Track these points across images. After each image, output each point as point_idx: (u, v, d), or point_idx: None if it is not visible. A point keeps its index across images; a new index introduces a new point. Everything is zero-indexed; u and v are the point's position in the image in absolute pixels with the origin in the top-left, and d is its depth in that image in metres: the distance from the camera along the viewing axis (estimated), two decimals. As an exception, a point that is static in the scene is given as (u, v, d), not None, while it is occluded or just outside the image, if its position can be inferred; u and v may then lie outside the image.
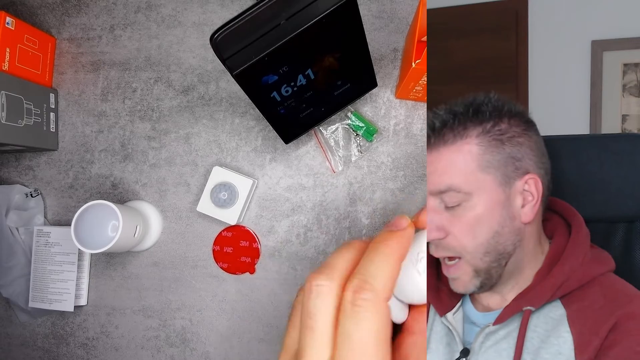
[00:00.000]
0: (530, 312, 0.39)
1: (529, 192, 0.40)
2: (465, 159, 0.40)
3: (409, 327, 0.31)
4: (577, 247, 0.41)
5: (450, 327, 0.43)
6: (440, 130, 0.40)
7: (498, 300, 0.42)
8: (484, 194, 0.39)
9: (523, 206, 0.40)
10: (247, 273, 0.65)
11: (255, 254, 0.64)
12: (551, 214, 0.44)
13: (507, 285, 0.42)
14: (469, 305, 0.43)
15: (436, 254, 0.41)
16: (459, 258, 0.41)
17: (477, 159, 0.40)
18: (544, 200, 0.41)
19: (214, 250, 0.65)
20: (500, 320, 0.40)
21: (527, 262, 0.41)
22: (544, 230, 0.43)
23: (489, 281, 0.41)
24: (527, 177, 0.40)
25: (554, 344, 0.38)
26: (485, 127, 0.40)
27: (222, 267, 0.65)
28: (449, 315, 0.43)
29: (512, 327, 0.40)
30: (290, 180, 0.65)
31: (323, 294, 0.27)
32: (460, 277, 0.41)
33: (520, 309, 0.39)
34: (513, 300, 0.40)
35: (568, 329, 0.38)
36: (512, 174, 0.40)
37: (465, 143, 0.40)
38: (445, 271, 0.42)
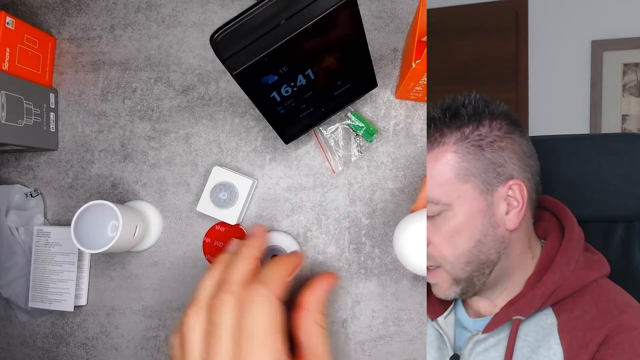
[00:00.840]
0: (520, 322, 0.38)
1: (514, 198, 0.38)
2: (442, 169, 0.38)
3: (300, 302, 0.43)
4: (568, 253, 0.39)
5: (441, 332, 0.42)
6: None
7: (488, 305, 0.41)
8: (464, 203, 0.38)
9: (507, 213, 0.38)
10: None
11: None
12: (544, 213, 0.43)
13: (495, 291, 0.41)
14: (461, 309, 0.43)
15: None
16: (439, 266, 0.39)
17: (455, 168, 0.38)
18: (532, 204, 0.40)
19: (204, 241, 0.65)
20: (489, 328, 0.39)
21: (515, 268, 0.40)
22: (537, 230, 0.42)
23: (471, 289, 0.39)
24: (510, 182, 0.38)
25: (544, 355, 0.37)
26: (464, 133, 0.38)
27: (209, 260, 0.65)
28: (440, 319, 0.42)
29: (502, 335, 0.39)
30: (290, 180, 0.65)
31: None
32: (439, 284, 0.40)
33: (510, 318, 0.38)
34: (502, 308, 0.39)
35: (558, 340, 0.37)
36: (493, 180, 0.38)
37: (442, 151, 0.38)
38: (427, 276, 0.41)
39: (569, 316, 0.38)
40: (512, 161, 0.39)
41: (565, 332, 0.37)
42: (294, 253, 0.48)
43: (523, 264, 0.40)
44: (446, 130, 0.39)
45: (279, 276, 0.40)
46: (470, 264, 0.39)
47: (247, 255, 0.43)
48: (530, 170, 0.40)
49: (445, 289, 0.40)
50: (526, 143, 0.40)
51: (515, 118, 0.40)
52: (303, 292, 0.42)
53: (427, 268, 0.40)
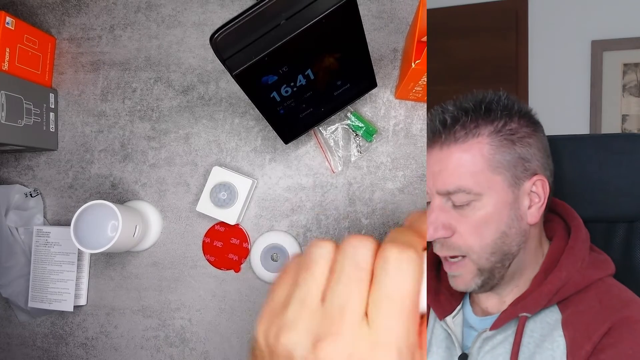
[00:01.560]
0: (526, 319, 0.39)
1: (536, 193, 0.40)
2: (476, 159, 0.39)
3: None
4: (574, 252, 0.40)
5: (449, 331, 0.42)
6: (452, 127, 0.39)
7: (496, 302, 0.42)
8: (494, 195, 0.39)
9: (530, 207, 0.40)
10: (232, 271, 0.65)
11: (243, 253, 0.64)
12: (552, 215, 0.44)
13: (507, 287, 0.41)
14: (468, 309, 0.43)
15: (441, 252, 0.40)
16: (463, 256, 0.40)
17: (488, 159, 0.39)
18: (548, 201, 0.41)
19: (204, 241, 0.65)
20: (496, 325, 0.39)
21: (529, 263, 0.41)
22: (545, 231, 0.43)
23: (491, 281, 0.40)
24: (535, 178, 0.40)
25: (547, 348, 0.38)
26: (497, 126, 0.39)
27: (208, 260, 0.65)
28: (449, 319, 0.43)
29: (509, 332, 0.40)
30: (290, 180, 0.65)
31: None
32: (462, 275, 0.40)
33: (516, 315, 0.39)
34: (509, 306, 0.40)
35: (561, 333, 0.38)
36: (521, 174, 0.39)
37: (477, 142, 0.39)
38: (446, 267, 0.41)
39: (573, 311, 0.39)
40: (537, 157, 0.40)
41: (568, 325, 0.38)
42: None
43: (535, 261, 0.41)
44: (481, 122, 0.39)
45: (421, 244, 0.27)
46: (495, 254, 0.40)
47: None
48: (549, 168, 0.42)
49: (468, 280, 0.40)
50: (547, 143, 0.42)
51: (537, 119, 0.42)
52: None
53: (449, 259, 0.40)
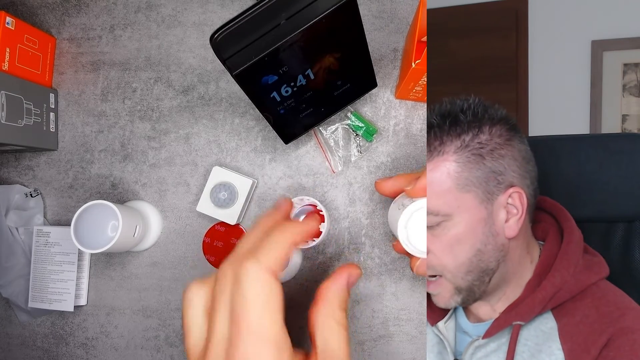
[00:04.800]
0: (520, 327, 0.38)
1: (513, 205, 0.38)
2: (442, 179, 0.37)
3: (317, 295, 0.35)
4: (568, 256, 0.39)
5: (442, 337, 0.41)
6: None
7: (487, 310, 0.41)
8: (464, 213, 0.37)
9: (507, 221, 0.38)
10: None
11: None
12: (542, 214, 0.43)
13: (495, 297, 0.41)
14: (461, 314, 0.42)
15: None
16: (440, 276, 0.39)
17: (455, 178, 0.37)
18: (530, 209, 0.39)
19: (204, 241, 0.65)
20: (489, 334, 0.38)
21: (513, 273, 0.40)
22: (535, 232, 0.42)
23: (471, 297, 0.39)
24: (510, 190, 0.38)
25: None
26: (464, 141, 0.37)
27: (209, 260, 0.65)
28: (440, 324, 0.42)
29: (503, 340, 0.39)
30: (290, 180, 0.65)
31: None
32: (441, 294, 0.40)
33: (510, 323, 0.38)
34: (502, 313, 0.39)
35: (559, 345, 0.37)
36: (494, 189, 0.37)
37: (441, 160, 0.37)
38: (427, 287, 0.41)
39: (569, 320, 0.37)
40: (512, 168, 0.38)
41: (566, 337, 0.37)
42: (311, 215, 0.39)
43: (521, 269, 0.40)
44: (446, 138, 0.38)
45: (277, 245, 0.33)
46: (471, 273, 0.38)
47: (259, 225, 0.37)
48: (529, 176, 0.39)
49: (447, 299, 0.39)
50: (525, 149, 0.40)
51: (514, 122, 0.39)
52: (322, 284, 0.35)
53: (428, 279, 0.40)
